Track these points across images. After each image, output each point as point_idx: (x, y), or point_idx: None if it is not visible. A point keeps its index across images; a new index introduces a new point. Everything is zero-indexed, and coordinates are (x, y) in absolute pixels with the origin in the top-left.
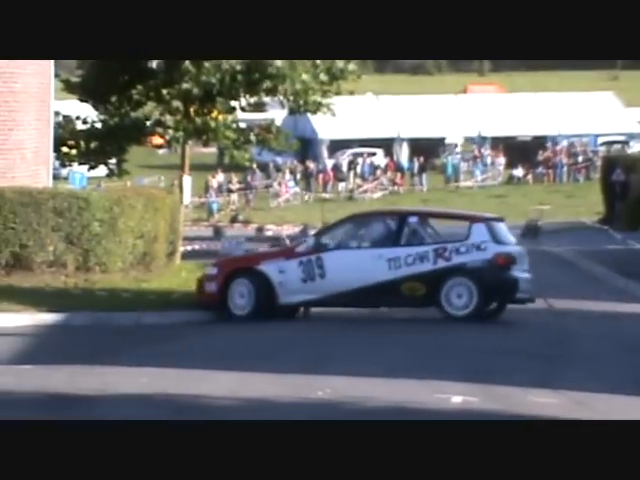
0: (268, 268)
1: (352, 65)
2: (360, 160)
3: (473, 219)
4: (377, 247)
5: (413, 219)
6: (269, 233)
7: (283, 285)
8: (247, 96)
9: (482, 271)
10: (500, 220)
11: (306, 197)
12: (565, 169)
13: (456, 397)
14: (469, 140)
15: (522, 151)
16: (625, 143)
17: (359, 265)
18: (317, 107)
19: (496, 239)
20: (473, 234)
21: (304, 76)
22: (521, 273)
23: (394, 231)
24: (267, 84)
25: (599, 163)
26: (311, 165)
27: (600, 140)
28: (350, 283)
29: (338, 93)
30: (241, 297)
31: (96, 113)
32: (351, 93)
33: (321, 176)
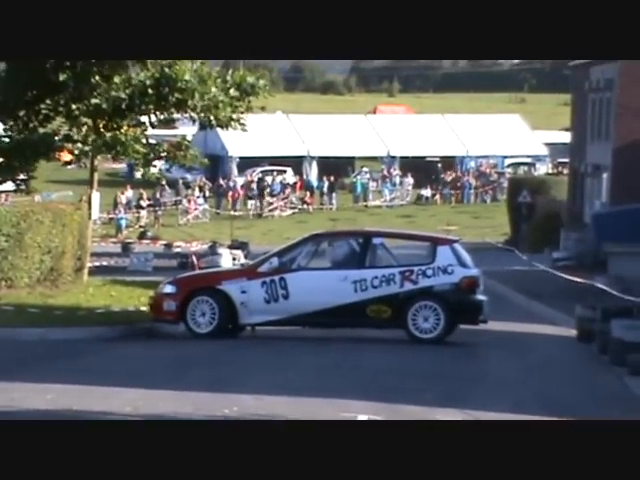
0: (230, 288)
1: (262, 81)
2: (270, 178)
3: (437, 241)
4: (342, 268)
5: (377, 240)
6: (177, 250)
7: (245, 305)
8: (157, 112)
9: (450, 294)
10: (457, 241)
11: (215, 214)
12: (472, 190)
13: (362, 415)
14: (378, 160)
15: (430, 171)
16: (531, 165)
17: (324, 287)
18: (228, 122)
19: (461, 262)
20: (439, 257)
21: (213, 90)
22: (482, 295)
23: (358, 252)
24: (176, 97)
25: (506, 185)
26: (221, 182)
27: (507, 162)
28: (315, 305)
29: (249, 109)
30: (202, 316)
31: (3, 127)
32: (262, 108)
33: (230, 193)
